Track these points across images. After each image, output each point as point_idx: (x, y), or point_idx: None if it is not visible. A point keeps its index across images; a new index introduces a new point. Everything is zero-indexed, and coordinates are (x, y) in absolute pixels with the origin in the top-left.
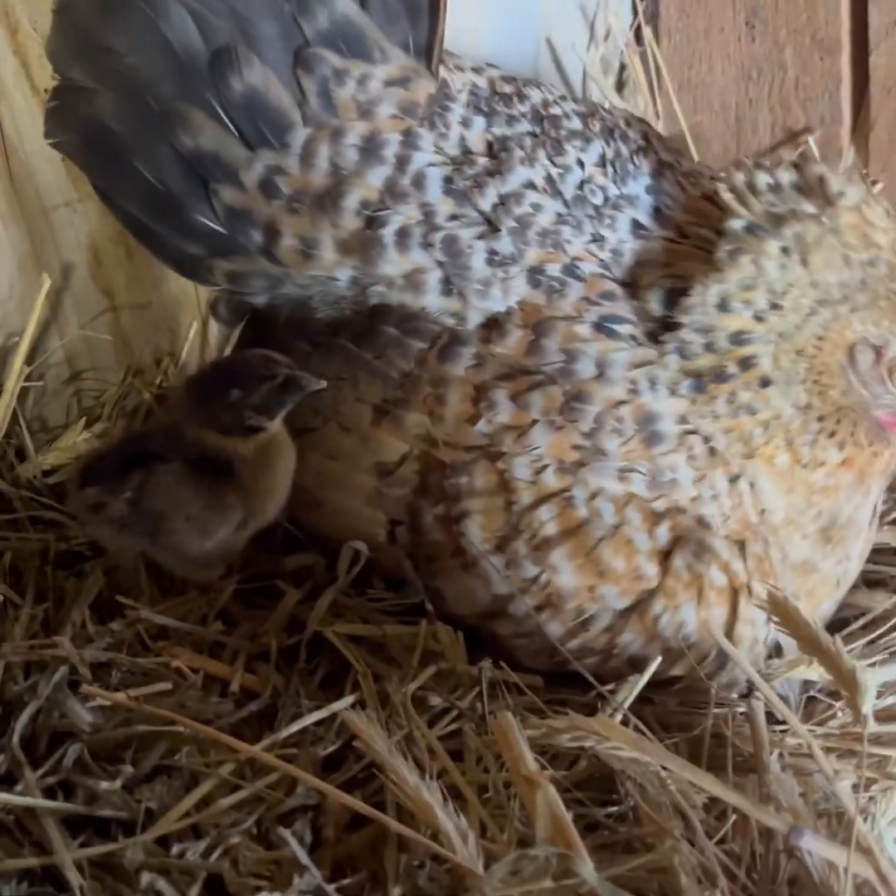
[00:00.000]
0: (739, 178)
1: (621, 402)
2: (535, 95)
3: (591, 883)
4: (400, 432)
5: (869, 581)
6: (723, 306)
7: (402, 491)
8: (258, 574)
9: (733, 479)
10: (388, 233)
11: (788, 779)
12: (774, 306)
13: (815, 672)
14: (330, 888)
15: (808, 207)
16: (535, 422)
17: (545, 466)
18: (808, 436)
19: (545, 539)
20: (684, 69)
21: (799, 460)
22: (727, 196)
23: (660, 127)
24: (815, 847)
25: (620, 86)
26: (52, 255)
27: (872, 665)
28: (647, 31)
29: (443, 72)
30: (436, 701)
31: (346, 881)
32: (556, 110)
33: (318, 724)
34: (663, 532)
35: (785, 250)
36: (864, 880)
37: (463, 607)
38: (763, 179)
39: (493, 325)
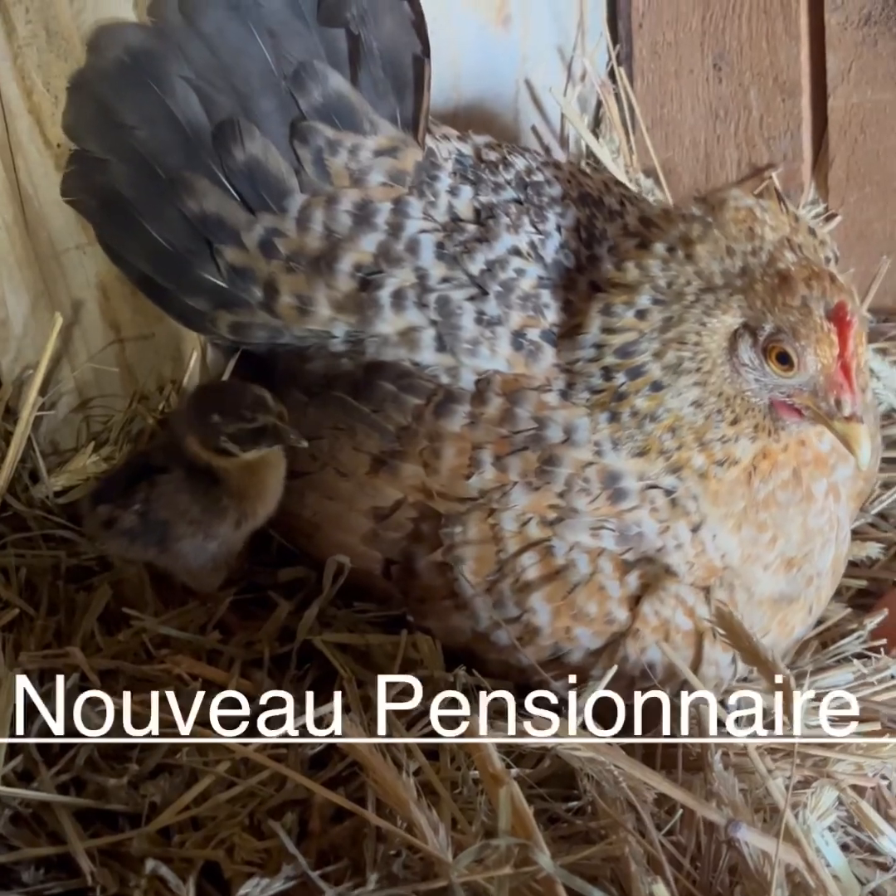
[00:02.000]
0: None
1: (588, 464)
2: (519, 163)
3: (548, 870)
4: (396, 481)
5: None
6: (606, 311)
7: (396, 535)
8: (253, 586)
9: (695, 529)
10: (384, 294)
11: (730, 777)
12: (657, 301)
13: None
14: (315, 875)
15: (696, 211)
16: (515, 483)
17: (528, 520)
18: (716, 431)
19: (527, 583)
20: (656, 108)
21: (714, 458)
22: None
23: (634, 161)
24: (751, 838)
25: (597, 123)
26: (64, 293)
27: (823, 671)
28: (620, 72)
29: (431, 141)
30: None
31: (329, 868)
32: (538, 177)
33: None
34: (633, 580)
35: (671, 249)
36: (795, 868)
37: (450, 641)
38: (652, 210)
39: (480, 391)
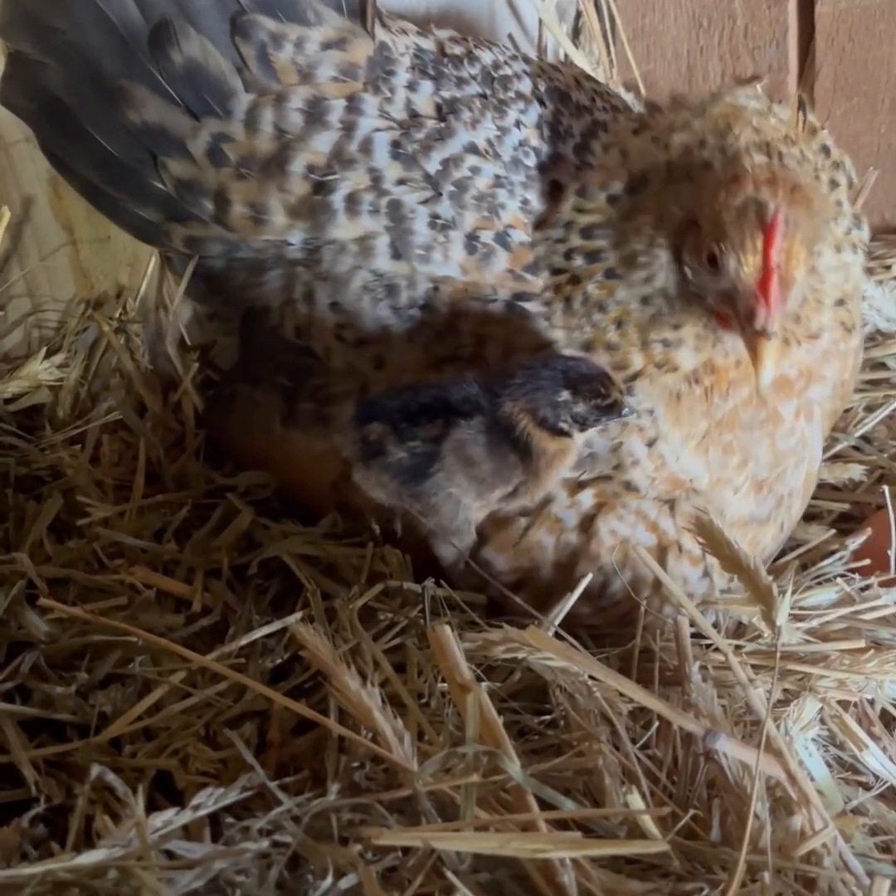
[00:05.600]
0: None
1: None
2: (486, 56)
3: (517, 779)
4: None
5: (806, 515)
6: (582, 191)
7: None
8: (213, 491)
9: (651, 443)
10: (337, 198)
11: (709, 688)
12: (629, 189)
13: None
14: (273, 785)
15: (691, 103)
16: None
17: None
18: (659, 332)
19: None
20: (638, 18)
21: (653, 360)
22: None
23: (614, 75)
24: (729, 749)
25: (576, 33)
26: (13, 188)
27: (805, 591)
28: None
29: (385, 35)
30: (382, 617)
31: (288, 779)
32: (506, 71)
33: (268, 637)
34: (587, 498)
35: (655, 139)
36: (777, 781)
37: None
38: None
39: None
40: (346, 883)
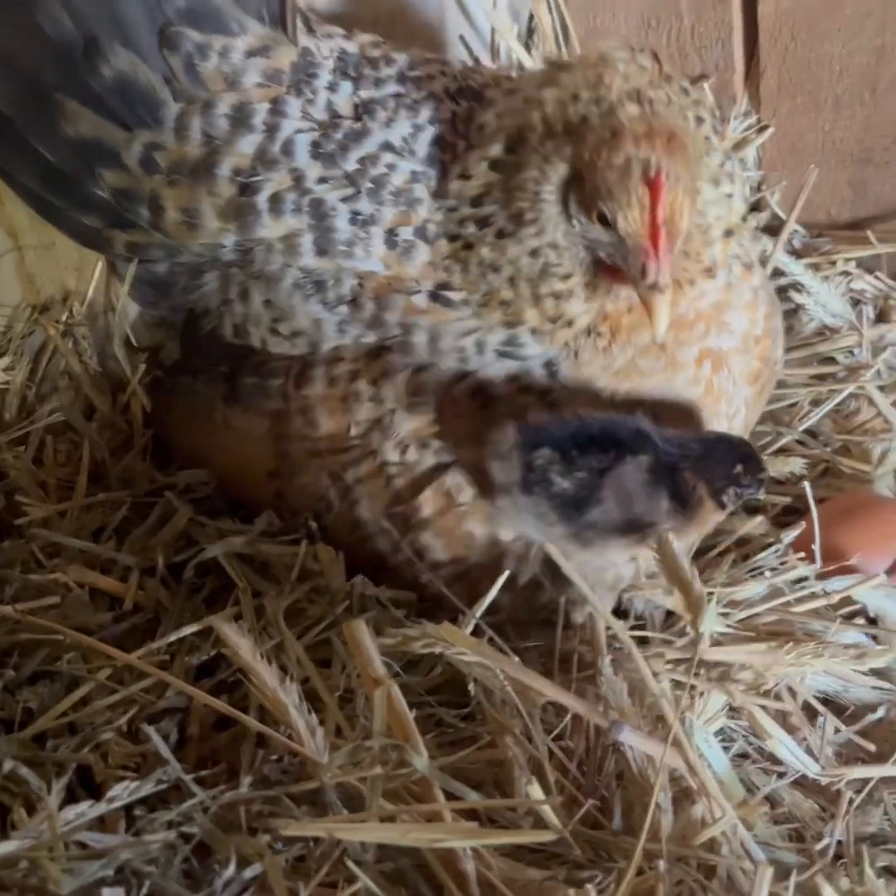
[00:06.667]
0: None
1: (456, 375)
2: (402, 58)
3: (422, 771)
4: (290, 456)
5: (749, 508)
6: (464, 164)
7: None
8: (155, 490)
9: None
10: (261, 199)
11: (620, 682)
12: (508, 150)
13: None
14: (188, 778)
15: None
16: (392, 411)
17: (407, 447)
18: (549, 284)
19: (421, 520)
20: (590, 17)
21: (547, 314)
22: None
23: None
24: (633, 741)
25: (530, 33)
26: None
27: (737, 583)
28: None
29: (310, 40)
30: (310, 614)
31: (205, 773)
32: (419, 72)
33: (196, 634)
34: None
35: (527, 100)
36: (680, 773)
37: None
38: None
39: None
40: (250, 872)
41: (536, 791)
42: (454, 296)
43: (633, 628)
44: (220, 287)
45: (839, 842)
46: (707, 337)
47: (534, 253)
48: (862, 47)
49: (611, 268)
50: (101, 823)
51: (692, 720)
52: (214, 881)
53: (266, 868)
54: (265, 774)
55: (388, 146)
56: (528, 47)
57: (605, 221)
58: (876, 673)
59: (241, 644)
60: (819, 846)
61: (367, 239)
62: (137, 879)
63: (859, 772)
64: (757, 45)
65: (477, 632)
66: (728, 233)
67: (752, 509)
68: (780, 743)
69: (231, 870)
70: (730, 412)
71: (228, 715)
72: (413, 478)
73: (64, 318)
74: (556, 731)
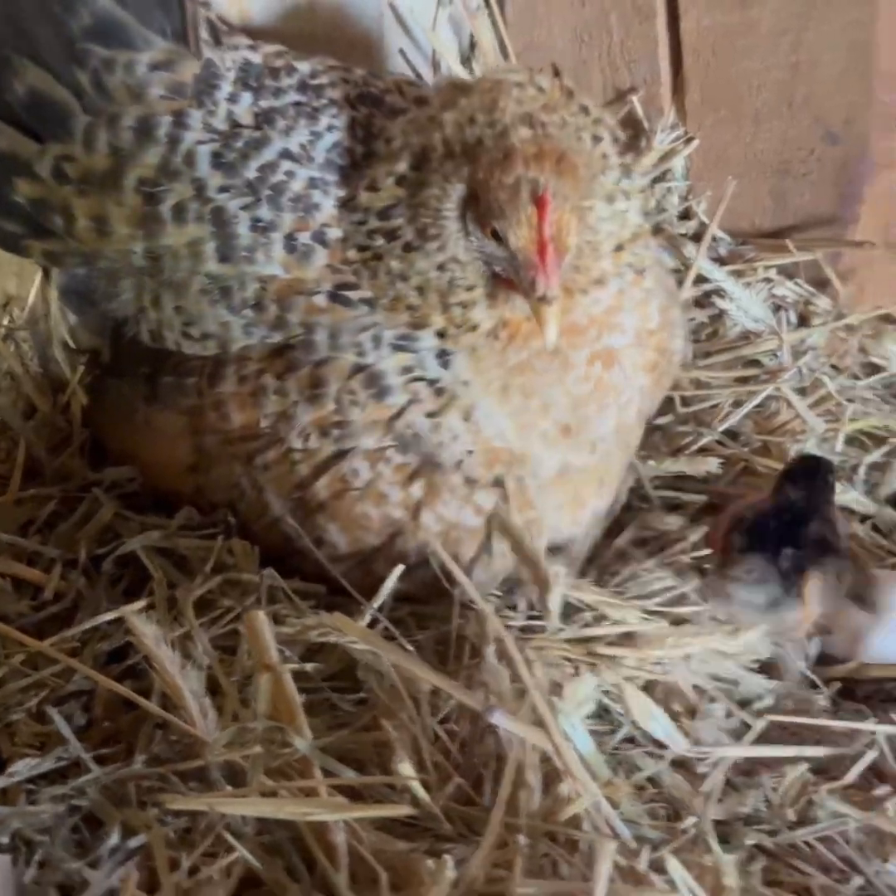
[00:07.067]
0: None
1: (352, 372)
2: (304, 67)
3: (303, 751)
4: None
5: (669, 505)
6: (371, 180)
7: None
8: (86, 486)
9: (467, 416)
10: (165, 208)
11: (500, 668)
12: (413, 167)
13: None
14: (87, 756)
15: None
16: (296, 403)
17: (309, 435)
18: (456, 296)
19: (320, 503)
20: (527, 32)
21: (454, 321)
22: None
23: None
24: (504, 723)
25: (472, 47)
26: None
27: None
28: None
29: (214, 52)
30: (222, 605)
31: (105, 751)
32: (321, 80)
33: (111, 623)
34: (416, 489)
35: (430, 119)
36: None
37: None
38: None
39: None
40: (135, 841)
41: (406, 768)
42: (352, 295)
43: (530, 619)
44: (136, 295)
45: (717, 822)
46: (599, 339)
47: (440, 267)
48: (778, 64)
49: (507, 280)
50: (3, 796)
51: (559, 703)
52: (99, 849)
53: (150, 839)
54: (157, 753)
55: (286, 154)
56: (471, 59)
57: (498, 238)
58: (762, 669)
59: (147, 632)
60: (683, 825)
61: (267, 244)
62: (28, 847)
63: (727, 751)
64: (682, 60)
65: (375, 622)
66: (619, 247)
67: (671, 507)
68: (651, 719)
69: (115, 839)
70: (620, 402)
71: (130, 699)
72: (314, 464)
73: (5, 322)
74: (442, 715)
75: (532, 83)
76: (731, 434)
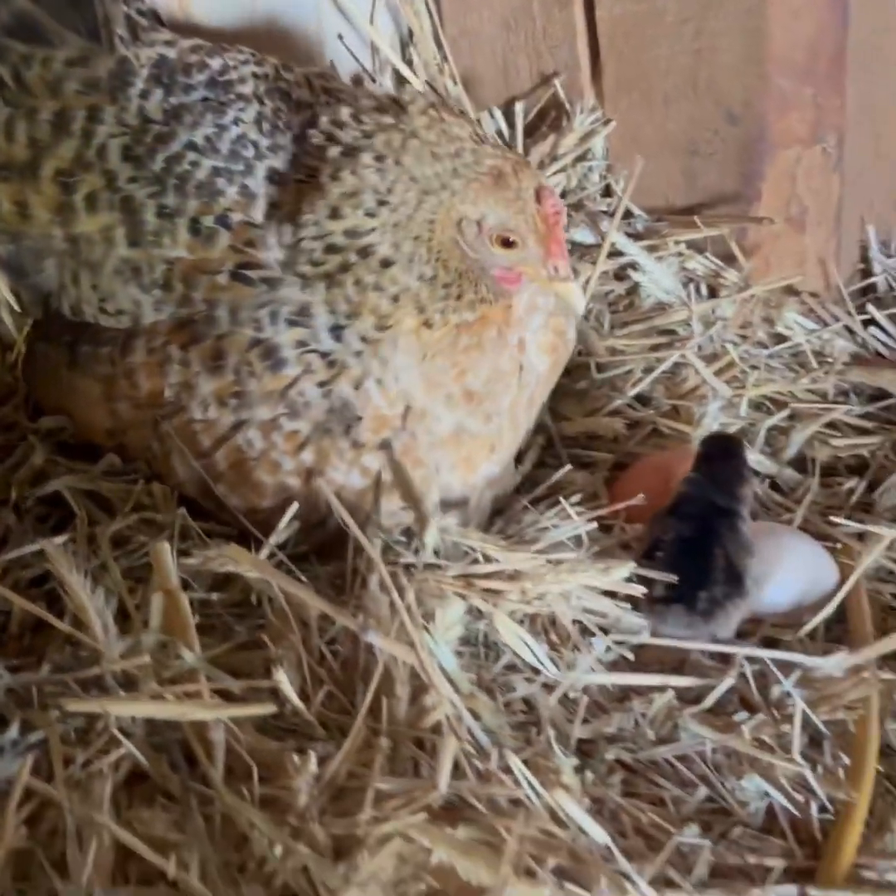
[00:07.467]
0: (324, 119)
1: (251, 341)
2: (216, 63)
3: (191, 662)
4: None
5: (579, 463)
6: (333, 215)
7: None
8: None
9: (357, 385)
10: (78, 198)
11: (382, 596)
12: (382, 203)
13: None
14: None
15: (387, 119)
16: (198, 373)
17: (209, 405)
18: (439, 303)
19: (219, 472)
20: (461, 18)
21: (429, 323)
22: (317, 138)
23: (446, 71)
24: (376, 641)
25: (411, 33)
26: None
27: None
28: None
29: (128, 50)
30: (138, 540)
31: (19, 662)
32: (231, 76)
33: (34, 555)
34: (307, 455)
35: (378, 158)
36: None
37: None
38: (344, 111)
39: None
40: (35, 737)
41: (280, 675)
42: (252, 274)
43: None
44: (58, 273)
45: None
46: (528, 322)
47: (432, 280)
48: (683, 50)
49: (508, 277)
50: None
51: (430, 626)
52: (1, 740)
53: (47, 734)
54: (61, 664)
55: (191, 145)
56: (410, 43)
57: (507, 245)
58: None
59: (62, 560)
60: (542, 736)
61: (173, 229)
62: None
63: (594, 677)
64: (599, 46)
65: (273, 556)
66: None
67: (582, 464)
68: (521, 644)
69: (14, 732)
70: (521, 383)
71: (41, 617)
72: (215, 435)
73: None
74: (328, 637)
75: (439, 104)
76: (643, 399)
